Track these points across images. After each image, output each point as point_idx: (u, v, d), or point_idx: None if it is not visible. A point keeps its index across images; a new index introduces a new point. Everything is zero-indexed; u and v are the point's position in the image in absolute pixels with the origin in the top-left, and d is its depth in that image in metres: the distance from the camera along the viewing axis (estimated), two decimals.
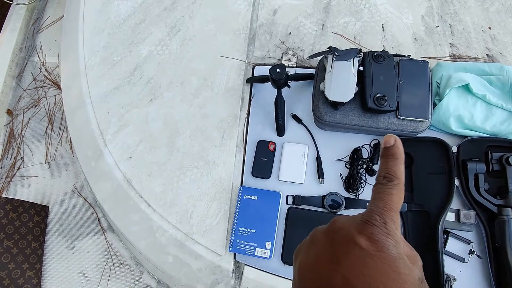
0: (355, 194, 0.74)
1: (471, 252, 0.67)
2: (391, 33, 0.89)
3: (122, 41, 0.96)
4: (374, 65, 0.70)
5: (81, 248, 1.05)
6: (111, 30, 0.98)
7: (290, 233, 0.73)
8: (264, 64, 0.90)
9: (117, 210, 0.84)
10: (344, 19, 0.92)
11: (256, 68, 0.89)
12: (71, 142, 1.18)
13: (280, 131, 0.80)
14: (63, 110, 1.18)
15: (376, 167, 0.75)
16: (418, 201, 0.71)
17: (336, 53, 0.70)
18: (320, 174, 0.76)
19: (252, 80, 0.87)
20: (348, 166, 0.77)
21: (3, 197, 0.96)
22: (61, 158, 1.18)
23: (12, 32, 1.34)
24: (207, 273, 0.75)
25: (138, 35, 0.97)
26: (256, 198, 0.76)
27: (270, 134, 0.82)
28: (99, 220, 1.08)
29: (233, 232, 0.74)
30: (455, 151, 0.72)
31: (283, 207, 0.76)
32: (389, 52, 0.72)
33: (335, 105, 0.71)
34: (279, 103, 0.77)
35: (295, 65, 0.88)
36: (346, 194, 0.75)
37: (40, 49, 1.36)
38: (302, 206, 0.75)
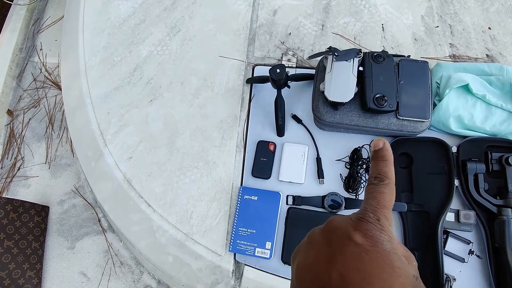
0: (355, 194, 0.74)
1: (470, 252, 0.67)
2: (391, 33, 0.89)
3: (122, 42, 0.97)
4: (374, 66, 0.70)
5: (82, 248, 1.05)
6: (111, 31, 0.98)
7: (290, 233, 0.73)
8: (264, 65, 0.90)
9: (117, 210, 0.84)
10: (344, 20, 0.92)
11: (256, 68, 0.90)
12: (71, 142, 1.18)
13: (280, 131, 0.80)
14: (63, 111, 1.18)
15: None
16: (418, 201, 0.71)
17: (336, 54, 0.70)
18: (320, 174, 0.77)
19: (252, 81, 0.87)
20: (348, 166, 0.77)
21: (4, 197, 0.96)
22: (62, 158, 1.18)
23: (13, 33, 1.34)
24: (207, 273, 0.75)
25: (138, 36, 0.97)
26: (256, 198, 0.76)
27: (270, 134, 0.82)
28: (99, 220, 1.08)
29: (233, 232, 0.74)
30: (455, 151, 0.72)
31: (283, 207, 0.76)
32: (389, 53, 0.72)
33: (335, 106, 0.71)
34: (279, 104, 0.77)
35: (295, 66, 0.88)
36: (346, 194, 0.75)
37: (41, 49, 1.36)
38: (302, 206, 0.75)
